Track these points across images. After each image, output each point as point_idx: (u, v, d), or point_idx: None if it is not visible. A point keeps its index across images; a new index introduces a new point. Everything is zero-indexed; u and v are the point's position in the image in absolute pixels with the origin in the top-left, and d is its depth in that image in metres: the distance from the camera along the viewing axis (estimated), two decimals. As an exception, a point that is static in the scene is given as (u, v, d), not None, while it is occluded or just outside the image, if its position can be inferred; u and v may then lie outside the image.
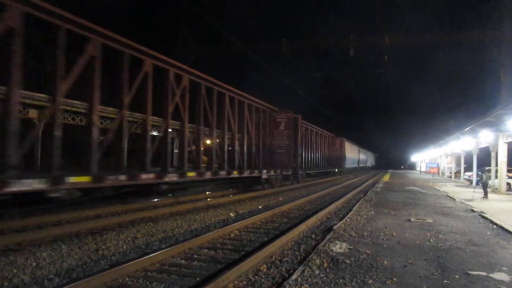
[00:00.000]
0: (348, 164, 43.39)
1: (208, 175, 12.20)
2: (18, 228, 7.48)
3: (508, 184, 19.47)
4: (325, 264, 5.37)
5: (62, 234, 7.15)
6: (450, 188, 21.88)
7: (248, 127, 15.80)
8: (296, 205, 12.48)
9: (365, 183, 26.09)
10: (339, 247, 6.40)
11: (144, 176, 9.07)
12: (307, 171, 24.58)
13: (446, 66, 33.77)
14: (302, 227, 8.31)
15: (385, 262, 5.57)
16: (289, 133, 19.01)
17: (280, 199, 14.47)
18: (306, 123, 23.67)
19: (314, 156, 27.05)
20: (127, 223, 8.53)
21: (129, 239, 7.05)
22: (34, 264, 5.37)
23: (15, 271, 5.04)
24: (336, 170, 35.82)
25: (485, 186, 15.97)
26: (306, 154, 24.18)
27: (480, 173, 18.13)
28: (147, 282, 4.77)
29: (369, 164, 76.48)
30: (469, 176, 29.76)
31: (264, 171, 16.28)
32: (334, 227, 8.05)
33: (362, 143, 64.10)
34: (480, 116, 17.44)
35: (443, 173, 42.45)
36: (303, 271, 5.01)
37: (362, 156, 62.50)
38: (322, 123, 31.96)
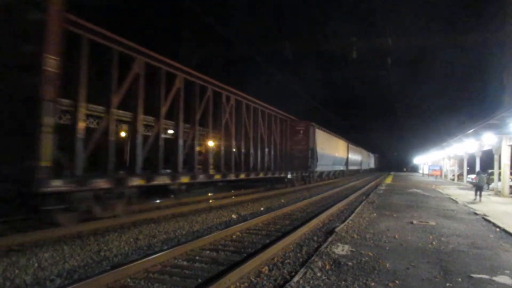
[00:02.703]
0: (325, 166, 27.68)
1: None
2: (20, 229, 7.50)
3: (511, 187, 19.36)
4: (327, 266, 5.36)
5: (64, 235, 7.16)
6: (453, 191, 21.78)
7: None
8: (298, 207, 12.47)
9: (368, 185, 26.05)
10: (341, 249, 6.38)
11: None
12: (180, 181, 10.81)
13: (449, 68, 33.73)
14: (304, 229, 8.30)
15: (388, 264, 5.55)
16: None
17: (283, 201, 14.47)
18: (164, 60, 10.34)
19: (222, 149, 13.82)
20: (129, 224, 8.54)
21: (131, 240, 7.06)
22: (36, 265, 5.38)
23: (17, 271, 5.05)
24: (289, 176, 19.93)
25: (480, 189, 15.94)
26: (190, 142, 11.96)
27: (484, 175, 18.00)
28: (149, 284, 4.77)
29: (365, 166, 61.63)
30: (472, 179, 29.69)
31: None
32: (336, 229, 8.03)
33: (363, 144, 62.55)
34: (483, 118, 17.41)
35: (446, 176, 42.34)
36: (305, 273, 5.00)
37: (354, 156, 46.30)
38: (323, 124, 31.43)
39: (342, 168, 37.28)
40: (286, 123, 21.49)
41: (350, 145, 41.38)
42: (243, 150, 15.47)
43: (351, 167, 43.34)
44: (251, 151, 16.06)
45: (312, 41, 27.60)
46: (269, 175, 17.65)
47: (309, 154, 22.56)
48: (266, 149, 18.00)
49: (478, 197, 15.72)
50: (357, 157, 49.89)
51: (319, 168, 25.26)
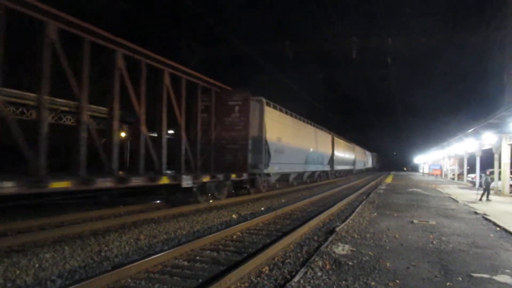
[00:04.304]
0: (288, 166, 18.94)
1: None
2: (21, 229, 7.52)
3: (511, 186, 19.35)
4: (328, 266, 5.36)
5: (65, 235, 7.18)
6: (453, 190, 21.79)
7: None
8: (298, 207, 12.47)
9: (368, 185, 26.05)
10: (341, 249, 6.38)
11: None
12: None
13: (449, 68, 33.66)
14: (305, 228, 8.30)
15: (388, 264, 5.56)
16: None
17: (283, 200, 14.47)
18: None
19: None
20: (130, 224, 8.55)
21: (132, 240, 7.07)
22: (37, 265, 5.39)
23: (18, 272, 5.06)
24: (186, 183, 10.38)
25: (485, 189, 15.92)
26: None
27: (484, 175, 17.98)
28: (150, 284, 4.77)
29: (360, 166, 52.65)
30: (472, 178, 29.71)
31: None
32: (337, 229, 8.04)
33: (362, 143, 61.80)
34: (483, 117, 17.38)
35: (446, 175, 42.34)
36: (306, 273, 5.00)
37: (343, 154, 36.67)
38: (324, 123, 31.14)
39: (323, 168, 28.09)
40: (208, 94, 13.35)
41: (336, 139, 31.97)
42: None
43: (338, 167, 33.72)
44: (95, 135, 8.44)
45: (312, 41, 27.60)
46: (108, 183, 8.08)
47: (250, 146, 14.20)
48: (142, 136, 9.91)
49: (484, 196, 15.62)
50: (348, 154, 39.83)
51: (275, 168, 16.74)
